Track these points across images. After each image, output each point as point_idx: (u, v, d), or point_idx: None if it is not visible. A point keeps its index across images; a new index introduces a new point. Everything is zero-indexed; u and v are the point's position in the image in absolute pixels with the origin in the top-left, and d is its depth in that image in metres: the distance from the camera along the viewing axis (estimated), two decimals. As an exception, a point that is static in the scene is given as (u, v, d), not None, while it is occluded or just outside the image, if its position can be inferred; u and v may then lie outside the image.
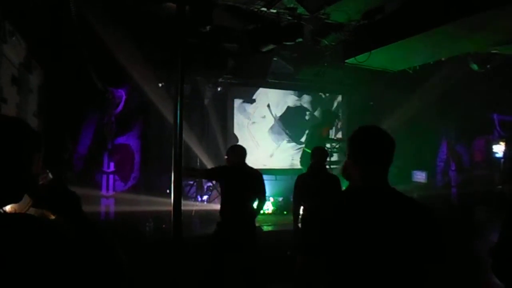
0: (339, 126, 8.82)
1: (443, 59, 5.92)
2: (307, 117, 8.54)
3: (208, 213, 6.48)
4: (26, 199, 1.11)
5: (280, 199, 7.40)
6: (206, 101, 7.58)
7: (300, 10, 4.84)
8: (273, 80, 7.87)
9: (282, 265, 4.20)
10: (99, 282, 1.06)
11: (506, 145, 7.46)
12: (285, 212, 6.99)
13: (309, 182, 3.91)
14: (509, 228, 1.80)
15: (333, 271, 1.53)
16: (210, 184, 6.97)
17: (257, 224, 6.03)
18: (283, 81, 7.97)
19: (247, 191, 3.93)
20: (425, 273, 1.46)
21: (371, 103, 8.68)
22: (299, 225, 3.90)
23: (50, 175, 1.21)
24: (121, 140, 6.45)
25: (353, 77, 7.46)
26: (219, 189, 6.91)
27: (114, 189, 6.28)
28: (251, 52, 6.11)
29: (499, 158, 7.53)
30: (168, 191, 5.84)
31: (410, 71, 6.36)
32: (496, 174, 7.47)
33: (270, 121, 8.24)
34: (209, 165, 6.95)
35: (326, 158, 4.01)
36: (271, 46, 5.64)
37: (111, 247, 1.12)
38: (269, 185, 7.71)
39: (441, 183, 8.05)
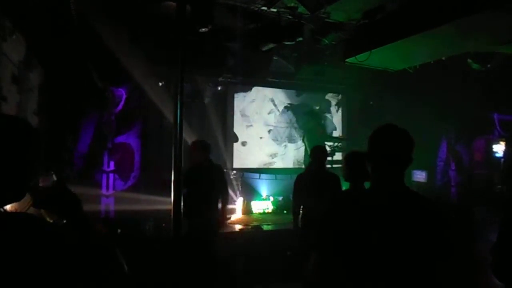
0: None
1: (443, 58, 5.91)
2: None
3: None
4: (26, 198, 1.11)
5: (280, 198, 7.41)
6: (206, 100, 7.57)
7: (301, 9, 4.83)
8: (273, 79, 7.86)
9: (282, 264, 4.21)
10: (99, 284, 1.07)
11: (506, 145, 7.45)
12: (285, 211, 6.99)
13: (308, 181, 3.91)
14: (507, 228, 1.80)
15: (348, 270, 1.53)
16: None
17: (257, 224, 6.08)
18: (283, 80, 7.96)
19: (209, 189, 4.00)
20: (435, 274, 1.46)
21: (371, 102, 8.67)
22: (299, 224, 3.90)
23: (54, 177, 1.22)
24: (121, 139, 6.45)
25: (353, 77, 7.45)
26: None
27: (114, 188, 6.28)
28: (251, 51, 6.11)
29: (499, 158, 7.53)
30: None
31: (411, 71, 6.35)
32: (496, 174, 7.47)
33: (271, 120, 8.23)
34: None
35: (326, 157, 4.01)
36: (271, 45, 5.64)
37: (111, 249, 1.12)
38: (269, 185, 7.76)
39: (441, 182, 8.05)
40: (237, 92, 8.00)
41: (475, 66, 5.93)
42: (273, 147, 8.22)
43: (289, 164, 8.23)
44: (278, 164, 8.18)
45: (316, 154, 3.94)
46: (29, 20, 4.08)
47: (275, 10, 4.89)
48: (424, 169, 7.82)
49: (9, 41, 3.61)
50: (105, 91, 6.15)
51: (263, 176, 7.82)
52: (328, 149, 7.31)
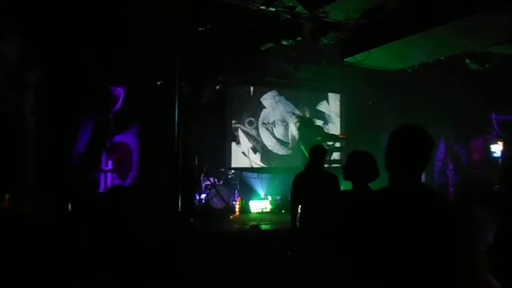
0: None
1: (441, 58, 5.92)
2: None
3: (206, 211, 6.49)
4: None
5: (278, 197, 7.41)
6: (204, 100, 7.56)
7: (299, 8, 4.83)
8: (272, 79, 7.86)
9: (281, 264, 4.21)
10: None
11: (504, 145, 7.47)
12: (283, 211, 6.99)
13: (307, 180, 3.90)
14: (505, 227, 1.80)
15: (365, 270, 1.55)
16: (208, 182, 6.96)
17: (255, 223, 6.09)
18: (282, 80, 7.96)
19: None
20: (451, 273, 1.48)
21: (370, 102, 8.68)
22: (298, 223, 3.90)
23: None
24: (119, 138, 6.43)
25: (351, 76, 7.46)
26: (217, 187, 6.94)
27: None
28: (250, 50, 6.10)
29: (497, 158, 7.55)
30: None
31: (409, 70, 6.36)
32: (494, 174, 7.49)
33: (269, 118, 8.23)
34: (207, 164, 6.98)
35: (325, 156, 3.99)
36: (270, 45, 5.64)
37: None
38: (267, 184, 7.76)
39: (438, 182, 8.06)
40: (235, 91, 7.98)
41: (473, 66, 5.94)
42: (271, 146, 8.22)
43: (287, 164, 8.22)
44: (277, 163, 8.18)
45: (314, 153, 3.93)
46: (26, 19, 4.06)
47: (273, 9, 4.88)
48: (422, 169, 7.82)
49: (6, 40, 3.60)
50: (103, 90, 6.13)
51: (261, 175, 7.82)
52: (329, 146, 7.33)
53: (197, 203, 6.66)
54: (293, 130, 8.40)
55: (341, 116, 8.91)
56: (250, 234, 5.62)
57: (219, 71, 7.19)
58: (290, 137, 8.39)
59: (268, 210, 7.20)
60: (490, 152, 7.71)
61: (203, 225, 5.90)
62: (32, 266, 0.94)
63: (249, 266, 4.48)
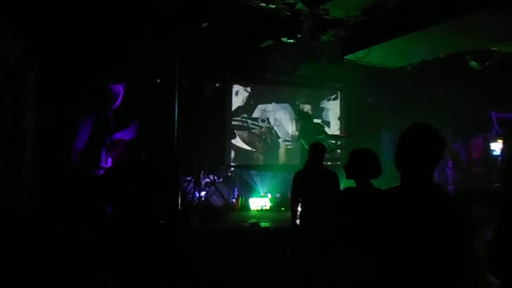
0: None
1: (441, 56, 5.91)
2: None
3: (206, 208, 6.50)
4: None
5: (278, 195, 7.41)
6: (204, 97, 7.56)
7: (299, 5, 4.82)
8: (271, 76, 7.84)
9: (280, 262, 4.21)
10: None
11: (504, 143, 7.48)
12: (282, 209, 6.99)
13: (307, 178, 3.90)
14: (503, 225, 1.81)
15: (377, 266, 1.58)
16: (207, 179, 6.97)
17: (254, 220, 6.09)
18: (281, 78, 7.94)
19: None
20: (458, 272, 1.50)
21: (370, 99, 8.67)
22: (297, 221, 3.90)
23: None
24: (119, 135, 6.42)
25: (352, 74, 7.44)
26: (217, 184, 6.95)
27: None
28: (250, 47, 6.09)
29: (496, 156, 7.55)
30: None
31: (409, 68, 6.36)
32: (493, 172, 7.50)
33: (268, 117, 8.23)
34: (207, 161, 6.97)
35: (324, 154, 3.99)
36: (269, 42, 5.63)
37: None
38: (267, 182, 7.76)
39: (438, 180, 8.06)
40: (235, 88, 7.98)
41: (473, 64, 5.94)
42: (271, 144, 8.22)
43: (287, 161, 8.23)
44: (276, 161, 8.18)
45: (314, 151, 3.93)
46: (26, 16, 4.06)
47: (273, 6, 4.87)
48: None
49: (5, 37, 3.59)
50: (103, 88, 6.12)
51: (261, 173, 7.83)
52: (327, 146, 7.31)
53: (197, 201, 6.66)
54: (294, 127, 8.39)
55: (341, 114, 8.91)
56: (250, 231, 5.63)
57: (218, 68, 7.17)
58: (290, 135, 8.39)
59: (267, 207, 7.20)
60: (489, 150, 7.71)
61: (203, 223, 5.91)
62: (33, 265, 0.93)
63: (248, 264, 4.49)
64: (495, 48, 5.61)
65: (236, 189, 7.30)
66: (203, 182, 6.95)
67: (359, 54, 5.39)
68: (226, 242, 5.04)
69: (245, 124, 8.03)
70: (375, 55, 5.39)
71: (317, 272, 3.48)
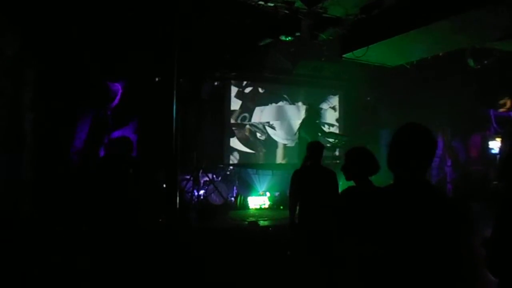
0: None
1: (440, 54, 5.91)
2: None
3: (205, 207, 6.49)
4: None
5: (277, 194, 7.41)
6: (203, 96, 7.54)
7: (298, 4, 4.81)
8: (270, 75, 7.84)
9: (279, 260, 4.22)
10: None
11: (502, 141, 7.48)
12: (281, 207, 7.00)
13: (305, 177, 3.91)
14: (502, 223, 1.81)
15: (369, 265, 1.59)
16: (206, 178, 6.97)
17: (253, 219, 6.10)
18: (280, 76, 7.94)
19: None
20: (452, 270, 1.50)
21: (368, 98, 8.68)
22: (296, 220, 3.90)
23: None
24: (117, 134, 6.41)
25: (350, 72, 7.44)
26: (216, 183, 6.94)
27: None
28: (248, 46, 6.08)
29: (495, 154, 7.56)
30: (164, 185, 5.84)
31: (408, 66, 6.36)
32: (491, 170, 7.50)
33: (267, 115, 8.23)
34: (205, 160, 6.97)
35: (322, 152, 3.99)
36: (268, 40, 5.62)
37: None
38: (266, 180, 7.76)
39: (436, 178, 8.08)
40: (234, 86, 7.97)
41: (471, 62, 5.94)
42: (270, 142, 8.22)
43: (286, 160, 8.23)
44: (275, 159, 8.18)
45: (312, 150, 3.93)
46: (24, 15, 4.04)
47: (272, 4, 4.86)
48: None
49: (3, 36, 3.58)
50: (101, 86, 6.11)
51: (260, 171, 7.83)
52: (328, 144, 7.33)
53: (196, 199, 6.66)
54: (292, 126, 8.39)
55: (339, 112, 8.91)
56: (249, 230, 5.63)
57: (217, 67, 7.16)
58: (289, 133, 8.39)
59: (266, 206, 7.21)
60: (488, 149, 7.72)
61: (202, 221, 5.91)
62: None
63: (247, 262, 4.49)
64: (494, 47, 5.60)
65: (235, 188, 7.30)
66: (202, 181, 6.95)
67: (358, 53, 5.38)
68: (224, 241, 5.04)
69: (244, 123, 8.03)
70: (373, 54, 5.38)
71: (315, 271, 3.48)
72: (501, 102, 7.33)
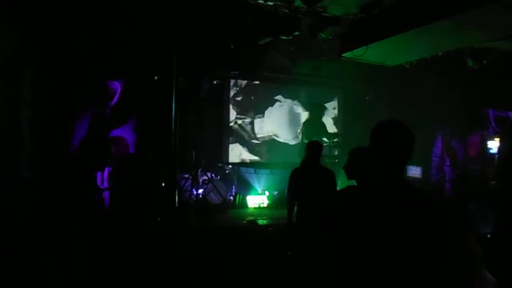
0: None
1: (439, 54, 5.91)
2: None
3: (204, 206, 6.50)
4: None
5: (276, 193, 7.42)
6: (202, 94, 7.54)
7: (297, 3, 4.80)
8: (269, 74, 7.83)
9: (278, 259, 4.22)
10: None
11: (501, 141, 7.50)
12: (280, 206, 7.01)
13: (303, 176, 3.91)
14: (500, 223, 1.81)
15: (341, 261, 1.56)
16: (205, 177, 6.96)
17: (252, 218, 6.10)
18: (279, 75, 7.93)
19: None
20: (432, 270, 1.47)
21: (367, 97, 8.68)
22: (294, 219, 3.90)
23: None
24: (116, 133, 6.40)
25: (349, 72, 7.44)
26: (215, 182, 6.94)
27: (109, 182, 6.25)
28: (248, 45, 6.07)
29: (493, 154, 7.58)
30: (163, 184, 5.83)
31: (407, 66, 6.36)
32: (490, 170, 7.52)
33: (266, 114, 8.22)
34: (204, 159, 6.97)
35: (321, 152, 4.00)
36: (268, 39, 5.61)
37: None
38: (265, 179, 7.76)
39: (435, 178, 8.09)
40: (233, 85, 7.96)
41: (471, 62, 5.94)
42: (269, 141, 8.21)
43: (285, 159, 8.23)
44: (274, 158, 8.18)
45: (311, 149, 3.93)
46: (22, 11, 4.02)
47: (272, 3, 4.85)
48: (419, 165, 7.85)
49: (1, 32, 3.56)
50: (100, 85, 6.09)
51: (259, 170, 7.83)
52: (327, 143, 7.34)
53: (194, 198, 6.66)
54: (291, 125, 8.39)
55: (338, 111, 8.91)
56: (247, 229, 5.64)
57: (216, 65, 7.15)
58: (288, 133, 8.39)
59: (265, 205, 7.21)
60: (486, 148, 7.73)
61: (200, 220, 5.91)
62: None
63: (246, 261, 4.50)
64: (493, 46, 5.60)
65: (233, 187, 7.30)
66: (200, 180, 6.95)
67: (357, 52, 5.38)
68: (223, 240, 5.05)
69: (242, 121, 8.02)
70: (373, 53, 5.38)
71: (313, 269, 3.49)
72: None
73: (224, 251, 4.71)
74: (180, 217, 5.47)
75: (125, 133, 6.52)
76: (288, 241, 4.10)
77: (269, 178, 7.71)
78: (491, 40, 5.10)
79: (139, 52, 5.73)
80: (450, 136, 8.10)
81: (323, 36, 5.42)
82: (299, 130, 8.08)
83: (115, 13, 5.09)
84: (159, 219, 5.50)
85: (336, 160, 7.30)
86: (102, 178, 6.21)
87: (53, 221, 4.10)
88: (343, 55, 5.73)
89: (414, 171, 7.87)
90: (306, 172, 3.92)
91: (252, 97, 8.11)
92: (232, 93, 7.94)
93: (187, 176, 6.78)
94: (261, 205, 7.19)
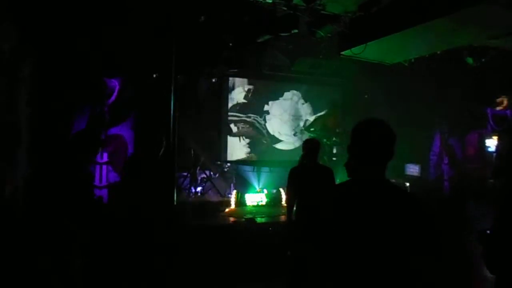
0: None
1: (438, 52, 5.92)
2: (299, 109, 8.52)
3: (202, 204, 6.50)
4: None
5: (274, 191, 7.42)
6: (200, 92, 7.53)
7: (296, 0, 4.80)
8: (268, 72, 7.82)
9: (276, 258, 4.22)
10: None
11: (499, 139, 7.52)
12: (278, 204, 7.01)
13: (302, 174, 3.91)
14: (500, 222, 1.81)
15: (329, 262, 1.55)
16: (204, 175, 6.96)
17: (250, 216, 6.10)
18: (278, 73, 7.93)
19: None
20: (418, 266, 1.46)
21: (366, 95, 8.68)
22: (293, 217, 3.90)
23: None
24: (114, 130, 6.39)
25: (348, 70, 7.44)
26: (213, 180, 6.94)
27: (107, 180, 6.24)
28: (246, 43, 6.07)
29: (491, 152, 7.60)
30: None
31: (406, 64, 6.36)
32: (488, 168, 7.54)
33: (264, 112, 8.22)
34: (203, 157, 6.96)
35: (319, 149, 3.99)
36: (266, 37, 5.60)
37: None
38: (263, 177, 7.76)
39: (434, 176, 8.11)
40: (232, 84, 7.95)
41: (469, 60, 5.95)
42: (268, 140, 8.21)
43: (284, 157, 8.24)
44: (273, 156, 8.18)
45: (308, 147, 3.92)
46: (20, 8, 4.00)
47: (270, 1, 4.84)
48: (417, 163, 7.87)
49: (0, 31, 3.54)
50: (98, 82, 6.08)
51: (257, 168, 7.83)
52: (328, 143, 7.35)
53: (193, 196, 6.66)
54: (290, 123, 8.39)
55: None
56: (246, 227, 5.64)
57: (215, 63, 7.14)
58: (287, 131, 8.38)
59: (264, 203, 7.21)
60: (485, 147, 7.75)
61: (198, 218, 5.90)
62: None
63: (244, 259, 4.50)
64: (492, 44, 5.61)
65: (232, 185, 7.30)
66: (199, 178, 6.95)
67: (356, 50, 5.37)
68: (221, 238, 5.05)
69: (241, 119, 8.01)
70: (371, 51, 5.37)
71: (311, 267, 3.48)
72: (498, 100, 7.35)
73: (222, 249, 4.71)
74: (178, 215, 5.47)
75: (123, 131, 6.51)
76: (288, 241, 4.10)
77: (268, 176, 7.71)
78: (489, 39, 5.10)
79: (138, 50, 5.71)
80: (448, 135, 8.11)
81: (322, 34, 5.42)
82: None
83: (114, 11, 5.07)
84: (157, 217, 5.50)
85: (334, 158, 7.30)
86: (101, 176, 6.21)
87: (51, 219, 4.10)
88: (341, 53, 5.72)
89: (413, 169, 7.89)
90: (304, 170, 3.92)
91: (251, 95, 8.11)
92: (230, 91, 7.93)
93: (185, 174, 6.78)
94: (260, 203, 7.18)
